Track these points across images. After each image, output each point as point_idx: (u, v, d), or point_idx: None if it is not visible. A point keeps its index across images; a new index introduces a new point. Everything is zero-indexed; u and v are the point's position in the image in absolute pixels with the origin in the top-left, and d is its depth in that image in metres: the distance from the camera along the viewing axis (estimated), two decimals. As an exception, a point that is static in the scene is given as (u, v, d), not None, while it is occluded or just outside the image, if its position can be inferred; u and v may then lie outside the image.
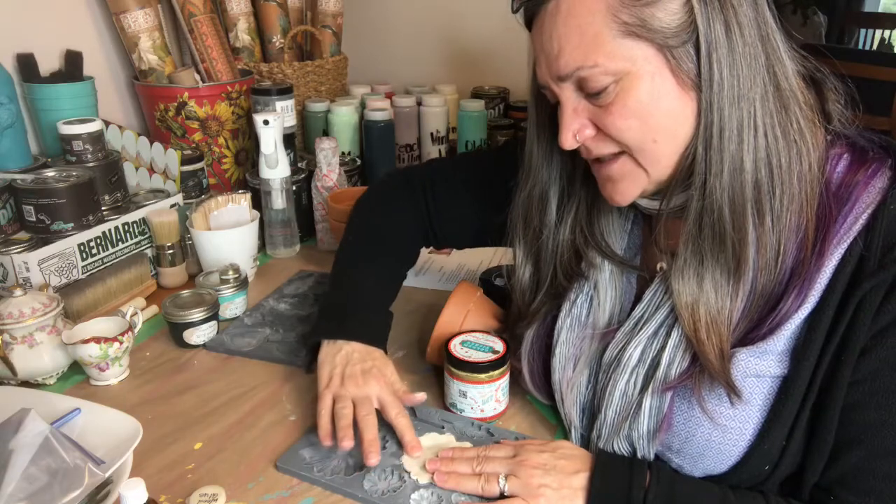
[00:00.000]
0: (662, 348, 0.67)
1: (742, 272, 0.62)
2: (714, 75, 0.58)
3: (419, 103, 1.52)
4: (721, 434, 0.64)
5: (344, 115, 1.45)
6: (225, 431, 0.79)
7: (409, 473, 0.70)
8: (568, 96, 0.63)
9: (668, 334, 0.67)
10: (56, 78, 1.23)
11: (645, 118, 0.60)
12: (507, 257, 0.82)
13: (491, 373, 0.78)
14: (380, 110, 1.42)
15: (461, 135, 1.52)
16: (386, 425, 0.77)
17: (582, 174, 0.73)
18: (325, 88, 1.58)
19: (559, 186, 0.74)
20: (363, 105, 1.48)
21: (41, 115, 1.19)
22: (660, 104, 0.60)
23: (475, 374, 0.77)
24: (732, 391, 0.62)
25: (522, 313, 0.80)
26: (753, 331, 0.63)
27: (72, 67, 1.24)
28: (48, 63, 1.24)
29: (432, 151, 1.54)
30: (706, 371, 0.63)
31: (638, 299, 0.72)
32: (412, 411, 0.80)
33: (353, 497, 0.68)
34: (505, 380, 0.80)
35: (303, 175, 1.30)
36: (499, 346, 0.80)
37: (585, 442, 0.74)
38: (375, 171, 1.43)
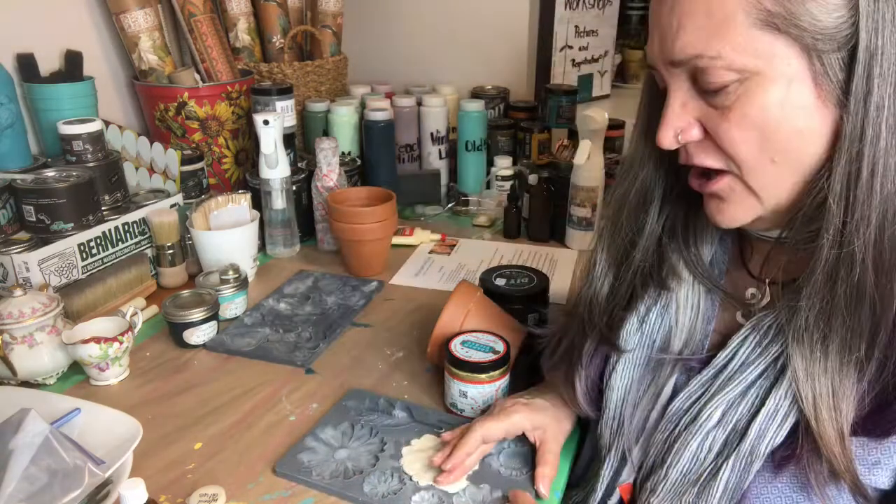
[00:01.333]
0: (753, 416, 0.55)
1: (877, 342, 0.50)
2: (872, 94, 0.47)
3: (419, 103, 1.52)
4: None
5: (344, 115, 1.45)
6: (225, 431, 0.79)
7: (409, 476, 0.70)
8: (678, 86, 0.53)
9: (762, 399, 0.55)
10: (56, 78, 1.23)
11: (768, 132, 0.50)
12: (508, 257, 0.80)
13: (491, 373, 0.78)
14: (380, 110, 1.42)
15: (461, 135, 1.52)
16: (385, 427, 0.77)
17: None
18: (325, 88, 1.58)
19: (665, 185, 0.63)
20: (363, 105, 1.48)
21: (41, 115, 1.19)
22: (790, 118, 0.49)
23: (475, 374, 0.77)
24: (855, 485, 0.50)
25: (600, 332, 0.68)
26: (874, 415, 0.51)
27: (72, 67, 1.24)
28: (48, 63, 1.24)
29: (432, 151, 1.54)
30: (818, 455, 0.52)
31: (722, 336, 0.61)
32: (409, 413, 0.80)
33: (353, 501, 0.68)
34: (505, 380, 0.80)
35: (303, 175, 1.30)
36: (499, 346, 0.80)
37: (632, 476, 0.67)
38: (375, 171, 1.43)
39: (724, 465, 0.56)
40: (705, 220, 0.62)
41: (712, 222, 0.58)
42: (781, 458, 0.54)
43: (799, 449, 0.53)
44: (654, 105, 0.59)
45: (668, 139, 0.55)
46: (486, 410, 0.79)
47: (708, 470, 0.58)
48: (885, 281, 0.49)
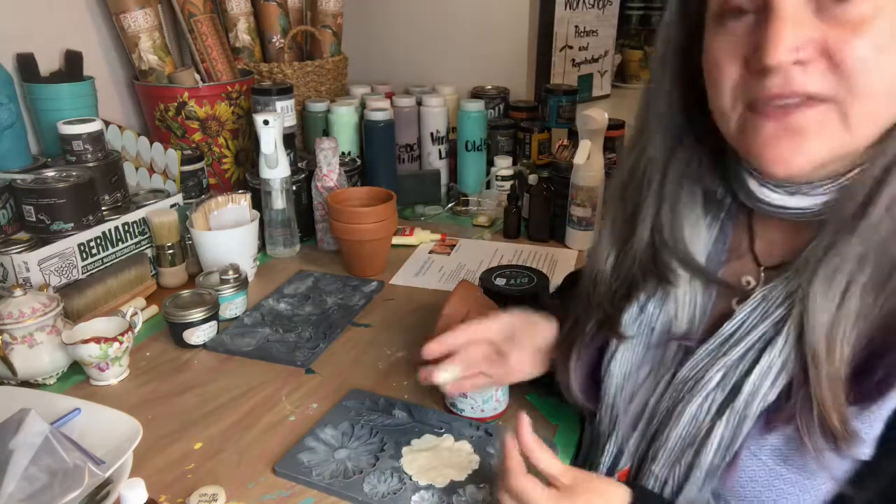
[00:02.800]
0: (747, 374, 0.56)
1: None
2: None
3: (419, 103, 1.52)
4: (800, 486, 0.54)
5: (344, 115, 1.45)
6: (225, 431, 0.79)
7: (409, 476, 0.70)
8: (788, 3, 0.46)
9: (756, 360, 0.56)
10: (56, 78, 1.23)
11: None
12: (508, 257, 0.80)
13: (491, 373, 0.77)
14: (380, 110, 1.42)
15: (461, 135, 1.52)
16: (385, 427, 0.77)
17: (683, 156, 0.61)
18: (325, 88, 1.58)
19: (666, 157, 0.60)
20: (363, 105, 1.48)
21: (41, 115, 1.19)
22: None
23: (475, 375, 0.77)
24: (845, 432, 0.50)
25: (604, 311, 0.68)
26: (853, 384, 0.51)
27: (72, 67, 1.24)
28: (48, 63, 1.24)
29: (432, 151, 1.54)
30: (811, 411, 0.51)
31: (723, 314, 0.61)
32: (409, 413, 0.80)
33: (353, 501, 0.68)
34: (505, 380, 0.80)
35: (303, 175, 1.30)
36: (499, 346, 0.80)
37: (631, 460, 0.66)
38: (375, 171, 1.43)
39: (717, 424, 0.56)
40: (692, 207, 0.62)
41: (773, 168, 0.51)
42: (773, 417, 0.54)
43: (791, 406, 0.52)
44: (678, 61, 0.57)
45: (786, 52, 0.46)
46: (486, 410, 0.79)
47: (705, 430, 0.57)
48: None
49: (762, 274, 0.60)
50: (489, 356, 0.75)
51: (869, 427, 0.50)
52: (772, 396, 0.54)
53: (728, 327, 0.58)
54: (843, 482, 0.52)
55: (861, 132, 0.49)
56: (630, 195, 0.64)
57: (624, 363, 0.67)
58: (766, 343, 0.55)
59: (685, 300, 0.63)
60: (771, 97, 0.49)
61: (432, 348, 0.73)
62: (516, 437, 0.59)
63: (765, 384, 0.54)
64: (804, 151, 0.50)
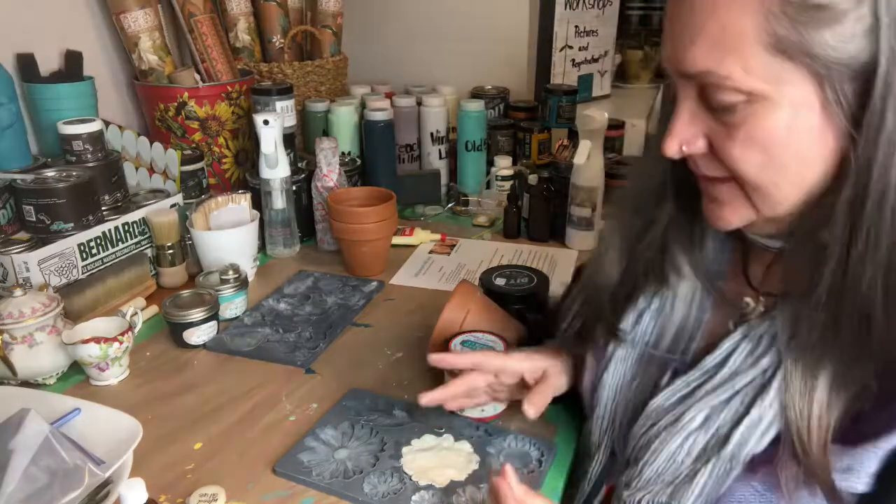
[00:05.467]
0: (736, 424, 0.55)
1: (873, 363, 0.49)
2: (886, 125, 0.46)
3: (419, 103, 1.52)
4: None
5: (344, 115, 1.45)
6: (225, 431, 0.79)
7: (409, 476, 0.70)
8: (687, 96, 0.53)
9: (747, 410, 0.55)
10: (56, 78, 1.23)
11: (772, 155, 0.50)
12: (508, 257, 0.80)
13: (491, 373, 0.77)
14: (380, 110, 1.42)
15: (461, 135, 1.52)
16: (385, 427, 0.77)
17: None
18: (325, 88, 1.58)
19: (682, 177, 0.61)
20: (363, 105, 1.48)
21: (41, 115, 1.19)
22: (795, 142, 0.49)
23: (475, 375, 0.77)
24: (832, 495, 0.51)
25: (605, 321, 0.68)
26: (846, 424, 0.51)
27: (72, 67, 1.24)
28: (48, 63, 1.24)
29: (432, 151, 1.54)
30: (798, 464, 0.52)
31: (708, 341, 0.61)
32: (409, 413, 0.80)
33: (353, 501, 0.68)
34: (505, 380, 0.80)
35: (303, 175, 1.30)
36: (499, 345, 0.80)
37: (610, 473, 0.68)
38: (375, 171, 1.43)
39: (703, 469, 0.56)
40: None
41: (708, 221, 0.58)
42: (760, 464, 0.54)
43: (777, 455, 0.53)
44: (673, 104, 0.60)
45: (672, 148, 0.54)
46: (487, 410, 0.79)
47: (685, 473, 0.57)
48: (893, 304, 0.48)
49: (761, 299, 0.60)
50: (492, 385, 0.75)
51: (860, 463, 0.51)
52: (760, 447, 0.54)
53: (710, 360, 0.59)
54: None
55: (767, 209, 0.53)
56: (647, 201, 0.65)
57: (616, 375, 0.67)
58: (757, 392, 0.55)
59: (682, 302, 0.64)
60: (691, 167, 0.57)
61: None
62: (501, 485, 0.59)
63: (754, 436, 0.55)
64: (722, 217, 0.56)
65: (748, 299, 0.60)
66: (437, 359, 0.74)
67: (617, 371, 0.67)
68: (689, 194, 0.62)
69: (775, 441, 0.54)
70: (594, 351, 0.70)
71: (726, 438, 0.55)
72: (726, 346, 0.58)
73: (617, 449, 0.67)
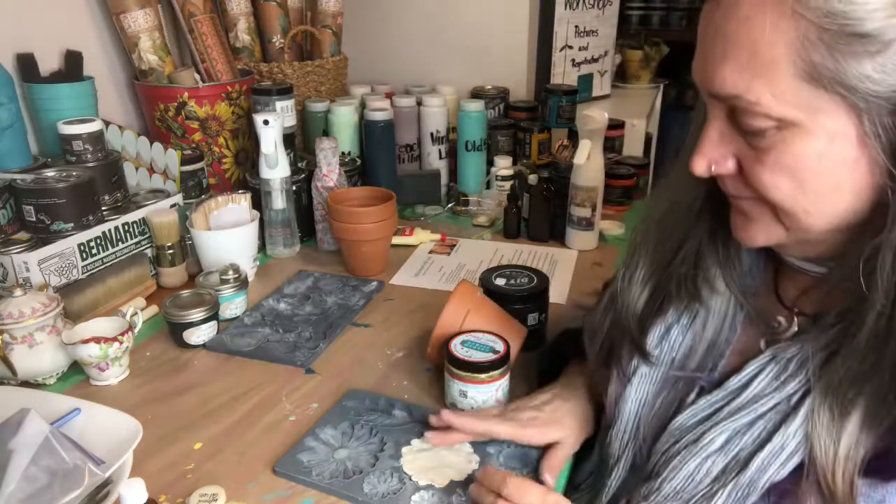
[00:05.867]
0: (758, 448, 0.54)
1: None
2: None
3: (419, 103, 1.52)
4: None
5: (344, 115, 1.45)
6: (225, 431, 0.79)
7: (409, 476, 0.70)
8: (717, 116, 0.51)
9: (770, 436, 0.54)
10: (56, 78, 1.23)
11: (801, 181, 0.48)
12: (508, 257, 0.80)
13: (491, 373, 0.77)
14: (380, 110, 1.42)
15: (461, 135, 1.52)
16: (385, 427, 0.77)
17: None
18: (325, 88, 1.58)
19: (716, 192, 0.59)
20: (363, 105, 1.48)
21: (41, 115, 1.19)
22: (827, 171, 0.47)
23: (475, 374, 0.77)
24: None
25: (633, 340, 0.67)
26: (880, 458, 0.50)
27: (72, 67, 1.24)
28: (48, 63, 1.24)
29: (432, 151, 1.54)
30: (823, 499, 0.51)
31: (739, 359, 0.60)
32: (409, 413, 0.80)
33: (353, 501, 0.68)
34: (505, 380, 0.80)
35: (303, 175, 1.30)
36: (499, 345, 0.80)
37: (628, 486, 0.67)
38: (375, 171, 1.43)
39: (721, 492, 0.55)
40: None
41: (734, 234, 0.57)
42: (780, 492, 0.53)
43: (800, 486, 0.52)
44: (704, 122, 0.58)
45: (701, 166, 0.53)
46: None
47: (702, 493, 0.56)
48: None
49: (795, 319, 0.59)
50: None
51: (893, 496, 0.49)
52: (780, 476, 0.53)
53: (735, 381, 0.58)
54: None
55: (796, 231, 0.52)
56: (681, 216, 0.63)
57: (641, 390, 0.66)
58: (781, 418, 0.54)
59: (714, 319, 0.62)
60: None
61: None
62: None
63: (775, 463, 0.53)
64: (748, 232, 0.55)
65: (781, 318, 0.59)
66: (440, 435, 0.73)
67: (642, 385, 0.66)
68: (726, 208, 0.60)
69: (798, 469, 0.52)
70: (620, 367, 0.69)
71: (746, 463, 0.54)
72: (752, 368, 0.57)
73: (638, 462, 0.66)
